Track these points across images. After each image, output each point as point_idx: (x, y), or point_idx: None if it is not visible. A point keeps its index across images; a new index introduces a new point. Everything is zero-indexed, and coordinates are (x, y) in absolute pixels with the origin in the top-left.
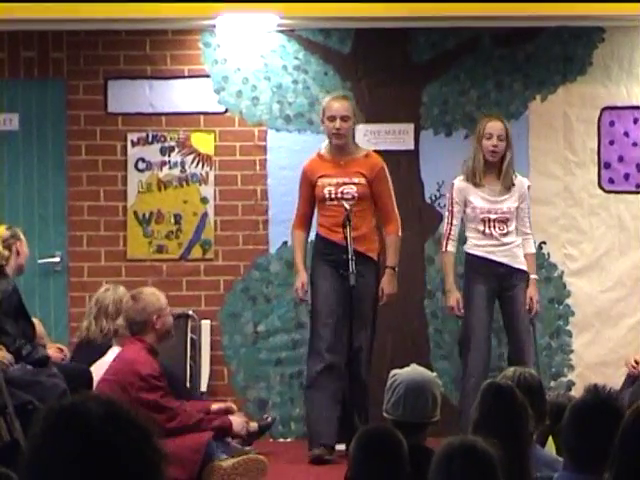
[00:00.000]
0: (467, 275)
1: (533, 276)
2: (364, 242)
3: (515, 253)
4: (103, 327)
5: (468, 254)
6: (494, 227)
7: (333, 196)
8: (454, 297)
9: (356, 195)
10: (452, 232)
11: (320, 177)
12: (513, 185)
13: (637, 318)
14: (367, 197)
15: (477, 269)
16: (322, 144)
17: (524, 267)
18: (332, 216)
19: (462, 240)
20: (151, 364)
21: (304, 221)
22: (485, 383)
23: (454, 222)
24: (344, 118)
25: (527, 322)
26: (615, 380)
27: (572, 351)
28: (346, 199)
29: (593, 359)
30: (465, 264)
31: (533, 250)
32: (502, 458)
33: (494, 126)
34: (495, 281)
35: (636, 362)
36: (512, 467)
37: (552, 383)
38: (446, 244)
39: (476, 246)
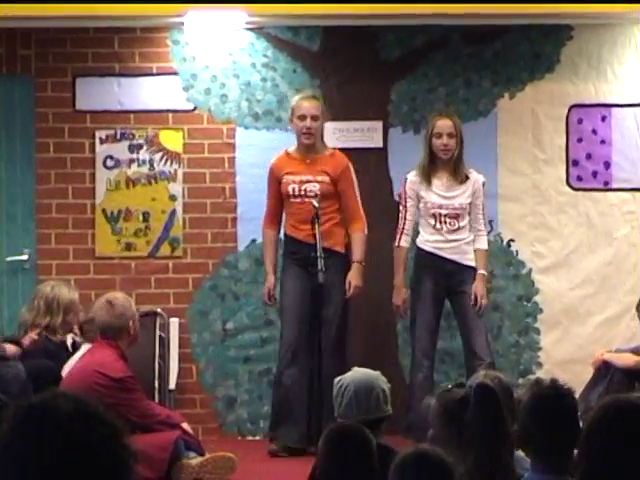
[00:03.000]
0: (416, 270)
1: (481, 271)
2: (330, 237)
3: (464, 250)
4: (51, 323)
5: (418, 248)
6: (445, 222)
7: (297, 193)
8: (401, 296)
9: (318, 193)
10: (405, 227)
11: (286, 174)
12: (467, 179)
13: (605, 315)
14: (331, 195)
15: (425, 264)
16: (293, 144)
17: (473, 264)
18: (296, 213)
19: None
20: (124, 368)
21: (274, 219)
22: (475, 385)
23: (407, 217)
24: (314, 117)
25: (477, 318)
26: (583, 377)
27: (540, 348)
28: (309, 196)
29: (561, 356)
30: (415, 258)
31: (484, 246)
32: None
33: (443, 124)
34: (443, 278)
35: (604, 362)
36: (498, 469)
37: (520, 380)
38: (399, 239)
39: (426, 241)
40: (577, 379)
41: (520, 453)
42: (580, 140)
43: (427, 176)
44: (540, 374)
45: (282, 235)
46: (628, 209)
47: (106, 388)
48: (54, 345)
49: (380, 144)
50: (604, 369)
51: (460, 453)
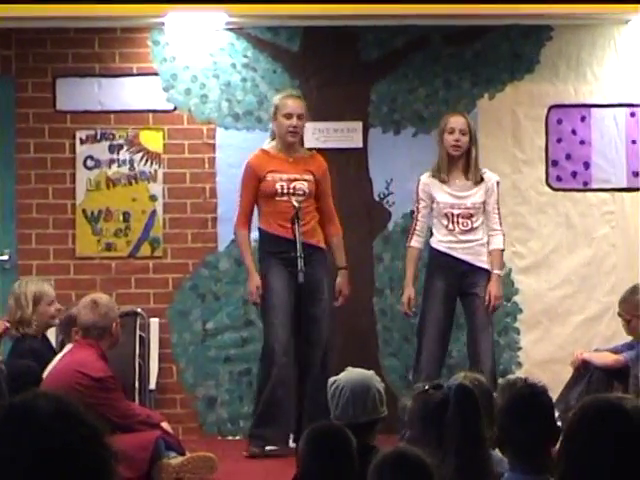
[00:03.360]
0: (429, 269)
1: (496, 271)
2: (314, 235)
3: (478, 251)
4: (23, 316)
5: (432, 248)
6: (457, 222)
7: (285, 191)
8: (406, 293)
9: (307, 191)
10: (417, 227)
11: (269, 172)
12: (481, 180)
13: (585, 315)
14: (313, 194)
15: (438, 264)
16: (265, 142)
17: (486, 266)
18: (282, 212)
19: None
20: (104, 368)
21: (247, 219)
22: (455, 386)
23: (419, 217)
24: (300, 116)
25: (485, 321)
26: (563, 377)
27: (520, 348)
28: (298, 194)
29: (541, 356)
30: (428, 258)
31: (500, 246)
32: (464, 462)
33: (456, 121)
34: (455, 278)
35: (583, 362)
36: (477, 469)
37: (500, 380)
38: (410, 238)
39: (439, 241)
40: (557, 379)
41: (499, 454)
42: (560, 140)
43: (441, 175)
44: (520, 374)
45: (258, 234)
46: (607, 209)
47: (87, 388)
48: (39, 343)
49: (360, 144)
50: (583, 369)
51: (439, 454)
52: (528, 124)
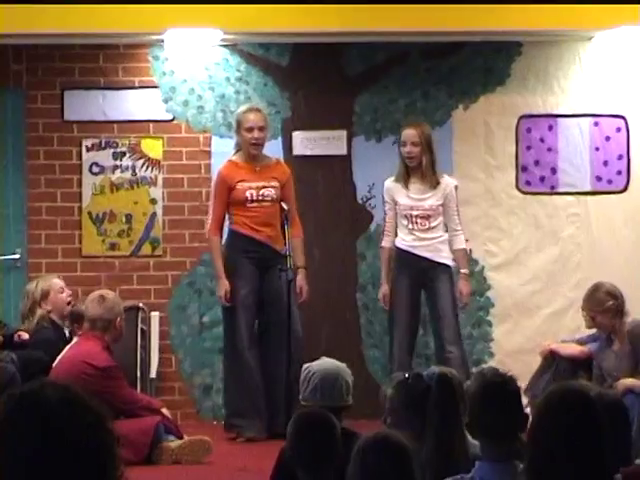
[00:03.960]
0: (395, 268)
1: (463, 270)
2: (279, 240)
3: (437, 248)
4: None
5: (397, 247)
6: (417, 223)
7: (254, 198)
8: (382, 290)
9: (274, 197)
10: (387, 228)
11: (239, 182)
12: (438, 184)
13: (552, 309)
14: (279, 199)
15: (402, 262)
16: (232, 153)
17: (447, 261)
18: (255, 216)
19: None
20: (109, 358)
21: (219, 226)
22: (436, 374)
23: (387, 219)
24: (261, 129)
25: (450, 313)
26: (532, 366)
27: (492, 340)
28: (266, 200)
29: (512, 347)
30: (394, 257)
31: (462, 246)
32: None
33: (407, 133)
34: (418, 274)
35: (551, 352)
36: (453, 450)
37: (473, 370)
38: (381, 239)
39: (402, 240)
40: (526, 368)
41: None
42: (529, 148)
43: (402, 181)
44: (492, 364)
45: (228, 236)
46: (573, 211)
47: (92, 377)
48: (54, 333)
49: (344, 152)
50: (551, 358)
51: (421, 438)
52: (500, 133)
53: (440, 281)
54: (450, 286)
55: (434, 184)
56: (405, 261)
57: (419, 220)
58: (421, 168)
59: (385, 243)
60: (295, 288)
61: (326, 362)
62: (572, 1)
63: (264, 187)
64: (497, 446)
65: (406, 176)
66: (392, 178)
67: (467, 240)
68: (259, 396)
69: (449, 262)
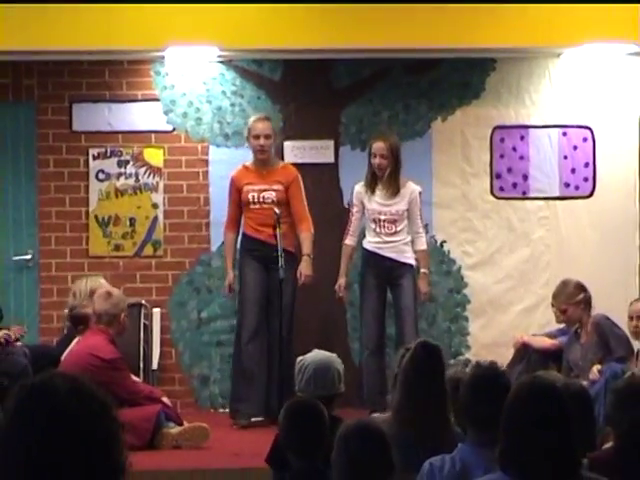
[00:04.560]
0: (362, 267)
1: (423, 270)
2: (285, 238)
3: (402, 249)
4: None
5: (363, 248)
6: (384, 226)
7: (256, 200)
8: (338, 282)
9: (275, 199)
10: (350, 228)
11: (245, 184)
12: (398, 192)
13: (523, 305)
14: (285, 201)
15: (370, 262)
16: (249, 159)
17: (410, 261)
18: (257, 217)
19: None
20: (114, 351)
21: (234, 223)
22: (417, 343)
23: (353, 220)
24: (267, 136)
25: (411, 308)
26: (505, 358)
27: (468, 333)
28: (267, 203)
29: (486, 340)
30: (361, 257)
31: (424, 247)
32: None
33: (377, 146)
34: (384, 273)
35: (523, 344)
36: (436, 418)
37: (451, 361)
38: (345, 237)
39: (369, 242)
40: (500, 359)
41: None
42: (502, 156)
43: (370, 187)
44: (468, 356)
45: (241, 236)
46: (543, 215)
47: (99, 368)
48: None
49: (332, 160)
50: (523, 350)
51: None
52: (475, 142)
53: (404, 279)
54: (412, 284)
55: (395, 191)
56: (372, 261)
57: (386, 224)
58: (389, 177)
59: (348, 241)
60: (289, 283)
61: (318, 354)
62: (565, 1)
63: (266, 190)
64: (481, 432)
65: (373, 183)
66: (362, 182)
67: (445, 241)
68: (256, 382)
69: (412, 262)
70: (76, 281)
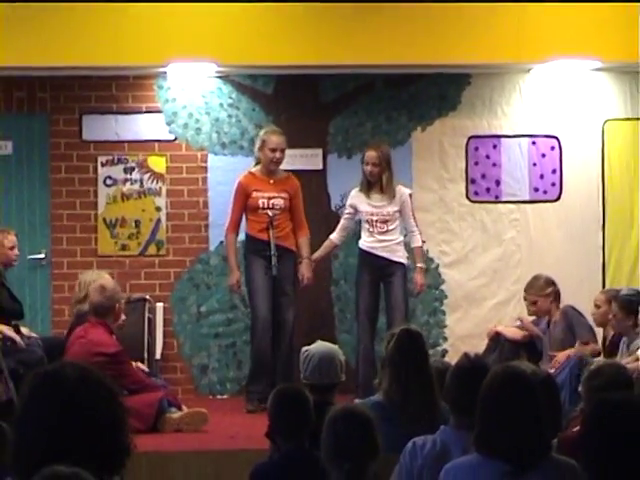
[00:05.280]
0: (358, 265)
1: (419, 265)
2: (288, 239)
3: (394, 249)
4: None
5: (359, 249)
6: (376, 226)
7: (265, 206)
8: (314, 255)
9: (283, 206)
10: (339, 227)
11: (254, 190)
12: (394, 197)
13: (496, 300)
14: (288, 208)
15: (364, 260)
16: (251, 165)
17: (402, 260)
18: (263, 221)
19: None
20: (115, 343)
21: (237, 226)
22: (401, 329)
23: (342, 220)
24: (282, 150)
25: (401, 303)
26: (479, 349)
27: (446, 326)
28: (275, 209)
29: (462, 332)
30: (358, 257)
31: (419, 244)
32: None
33: (369, 155)
34: (377, 271)
35: (496, 333)
36: (423, 398)
37: (430, 351)
38: (331, 232)
39: (364, 242)
40: (474, 349)
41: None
42: (477, 163)
43: (365, 192)
44: (446, 346)
45: (245, 237)
46: (514, 217)
47: (103, 363)
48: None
49: (320, 167)
50: (496, 339)
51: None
52: (452, 151)
53: (395, 277)
54: (403, 282)
55: (392, 196)
56: (367, 260)
57: (378, 224)
58: (381, 182)
59: (332, 236)
60: (289, 279)
61: (322, 345)
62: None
63: (274, 197)
64: (462, 417)
65: (367, 188)
66: (357, 188)
67: (424, 241)
68: (270, 366)
69: (404, 261)
70: (83, 272)
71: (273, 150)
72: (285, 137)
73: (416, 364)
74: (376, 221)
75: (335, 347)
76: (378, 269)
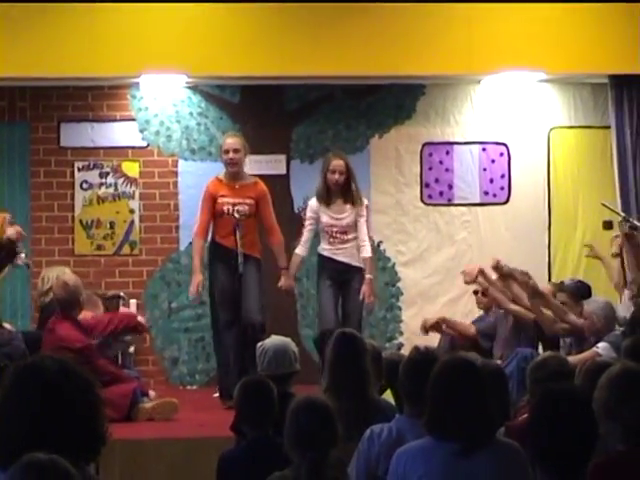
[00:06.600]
0: (318, 271)
1: (368, 276)
2: (252, 246)
3: (352, 254)
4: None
5: (319, 255)
6: (336, 237)
7: (230, 212)
8: (285, 280)
9: (247, 212)
10: (303, 239)
11: (220, 196)
12: (359, 202)
13: (449, 297)
14: (254, 214)
15: (324, 266)
16: (221, 171)
17: (359, 264)
18: (226, 227)
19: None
20: (82, 338)
21: (204, 230)
22: (337, 332)
23: (304, 232)
24: (236, 150)
25: (358, 306)
26: (433, 342)
27: (402, 321)
28: (239, 214)
29: (417, 327)
30: (317, 262)
31: (369, 254)
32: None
33: (337, 163)
34: (337, 275)
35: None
36: (357, 395)
37: (387, 345)
38: (295, 247)
39: (324, 249)
40: (429, 343)
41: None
42: (430, 168)
43: (323, 202)
44: (401, 340)
45: (210, 241)
46: (465, 219)
47: (70, 357)
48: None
49: (284, 172)
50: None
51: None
52: (407, 156)
53: (354, 281)
54: (360, 286)
55: (360, 204)
56: (327, 265)
57: (338, 235)
58: (343, 191)
59: (298, 250)
60: (256, 284)
61: (276, 339)
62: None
63: (239, 203)
64: (415, 406)
65: (327, 197)
66: (314, 198)
67: (382, 242)
68: (232, 368)
69: (363, 266)
70: (46, 269)
71: (226, 152)
72: (241, 139)
73: (351, 366)
74: (336, 232)
75: (288, 340)
76: (337, 273)
